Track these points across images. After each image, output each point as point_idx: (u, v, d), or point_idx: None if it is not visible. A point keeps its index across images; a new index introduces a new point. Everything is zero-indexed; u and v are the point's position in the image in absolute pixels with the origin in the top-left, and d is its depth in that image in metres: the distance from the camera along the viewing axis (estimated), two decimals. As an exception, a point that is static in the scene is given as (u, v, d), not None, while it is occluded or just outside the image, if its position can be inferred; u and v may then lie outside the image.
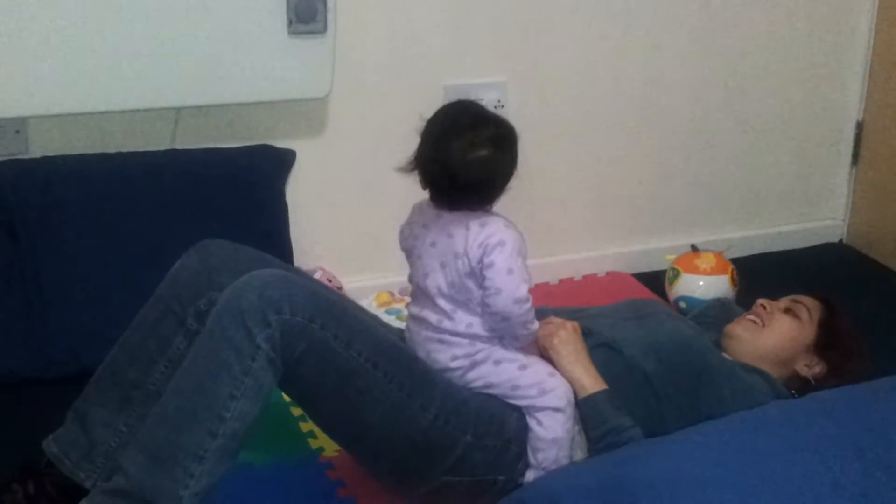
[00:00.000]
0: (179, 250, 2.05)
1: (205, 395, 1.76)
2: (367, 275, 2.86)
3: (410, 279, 2.03)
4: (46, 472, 1.95)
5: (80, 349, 2.41)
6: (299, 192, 2.77)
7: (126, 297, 2.27)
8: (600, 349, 2.11)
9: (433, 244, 1.94)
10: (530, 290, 1.91)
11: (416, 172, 1.89)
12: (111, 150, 2.58)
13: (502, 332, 1.96)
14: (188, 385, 1.79)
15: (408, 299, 2.09)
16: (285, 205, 2.74)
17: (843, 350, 2.22)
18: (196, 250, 2.03)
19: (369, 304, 2.73)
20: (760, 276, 3.00)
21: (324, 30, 2.54)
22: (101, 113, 2.49)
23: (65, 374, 2.35)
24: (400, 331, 2.10)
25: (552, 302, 2.50)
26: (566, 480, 1.83)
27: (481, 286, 1.90)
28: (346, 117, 2.77)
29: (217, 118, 2.67)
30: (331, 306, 1.87)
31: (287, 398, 2.01)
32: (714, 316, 2.46)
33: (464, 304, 1.93)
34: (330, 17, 2.53)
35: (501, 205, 1.94)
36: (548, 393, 1.97)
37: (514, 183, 1.91)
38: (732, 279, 2.89)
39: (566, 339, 2.05)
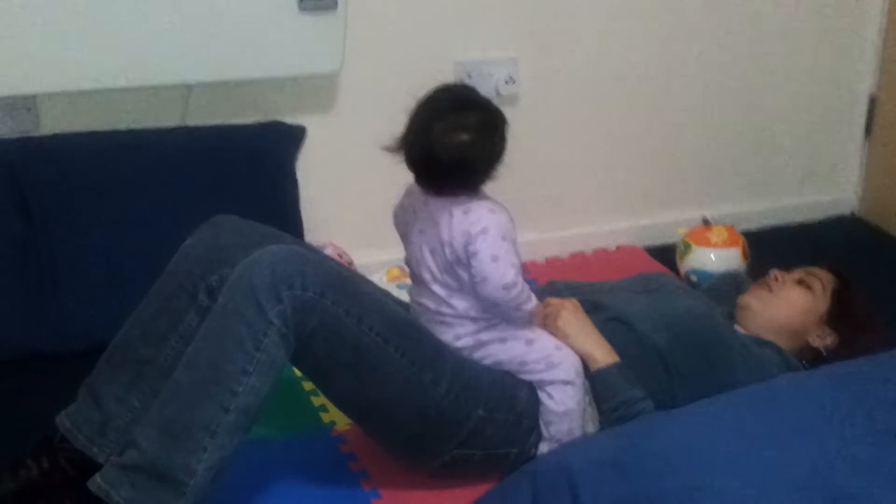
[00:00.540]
0: (190, 226, 2.06)
1: (217, 370, 1.77)
2: (377, 250, 2.85)
3: (407, 262, 2.03)
4: (60, 447, 1.96)
5: (93, 324, 2.41)
6: (310, 167, 2.77)
7: (138, 273, 2.27)
8: (611, 323, 2.11)
9: (422, 231, 1.94)
10: (527, 269, 1.90)
11: (402, 153, 1.89)
12: (122, 127, 2.58)
13: (497, 315, 1.95)
14: (200, 360, 1.80)
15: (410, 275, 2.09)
16: (296, 181, 2.74)
17: (855, 322, 2.21)
18: (207, 226, 2.03)
19: (380, 278, 2.73)
20: (772, 249, 2.99)
21: (335, 5, 2.54)
22: (111, 90, 2.49)
23: (78, 350, 2.35)
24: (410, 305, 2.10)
25: (563, 276, 2.51)
26: (579, 453, 1.84)
27: (469, 273, 1.89)
28: (356, 93, 2.77)
29: (228, 94, 2.67)
30: (342, 282, 1.87)
31: (299, 373, 2.01)
32: (725, 289, 2.46)
33: (457, 290, 1.93)
34: (340, -8, 2.53)
35: (507, 182, 1.92)
36: (556, 366, 1.97)
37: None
38: (744, 252, 2.88)
39: (568, 317, 2.05)
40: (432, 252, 1.92)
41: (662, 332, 2.10)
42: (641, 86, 3.08)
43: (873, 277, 2.67)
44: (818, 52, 3.26)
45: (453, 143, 1.82)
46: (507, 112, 1.91)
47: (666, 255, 3.04)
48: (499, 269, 1.86)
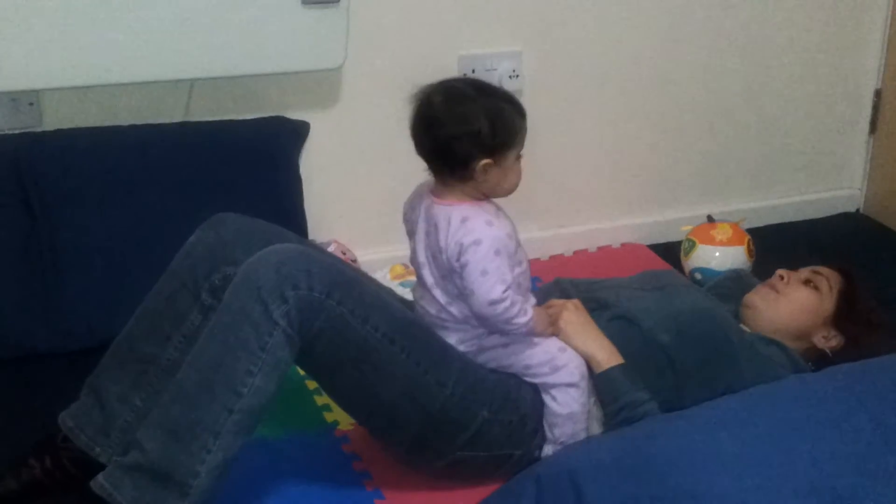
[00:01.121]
0: (193, 222, 2.05)
1: (222, 370, 1.77)
2: (381, 247, 2.85)
3: (412, 262, 2.01)
4: (63, 446, 1.95)
5: (95, 322, 2.41)
6: (313, 164, 2.76)
7: (141, 270, 2.28)
8: (617, 322, 2.10)
9: (426, 234, 1.92)
10: (530, 267, 1.87)
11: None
12: (124, 122, 2.57)
13: (488, 328, 1.94)
14: (205, 361, 1.79)
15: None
16: (299, 177, 2.73)
17: (861, 323, 2.20)
18: (210, 224, 2.02)
19: (383, 276, 2.73)
20: (777, 246, 2.99)
21: (337, 0, 2.52)
22: (114, 85, 2.48)
23: (81, 347, 2.36)
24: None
25: (567, 273, 2.49)
26: (584, 455, 1.84)
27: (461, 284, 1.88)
28: (359, 88, 2.76)
29: (231, 90, 2.66)
30: (348, 282, 1.86)
31: (302, 372, 2.01)
32: (730, 287, 2.45)
33: (456, 297, 1.92)
34: (344, -13, 2.52)
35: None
36: (560, 369, 1.96)
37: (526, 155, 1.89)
38: (749, 250, 2.87)
39: (570, 318, 2.04)
40: (433, 257, 1.91)
41: (668, 329, 2.08)
42: (646, 81, 3.07)
43: (878, 274, 2.67)
44: (823, 48, 3.25)
45: (455, 111, 1.81)
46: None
47: (670, 252, 3.03)
48: (486, 284, 1.84)
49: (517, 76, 2.87)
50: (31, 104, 2.52)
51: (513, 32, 2.88)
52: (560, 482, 1.73)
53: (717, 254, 2.85)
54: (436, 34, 2.79)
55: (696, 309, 2.16)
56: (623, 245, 3.18)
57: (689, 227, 2.97)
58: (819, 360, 2.19)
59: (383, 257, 2.83)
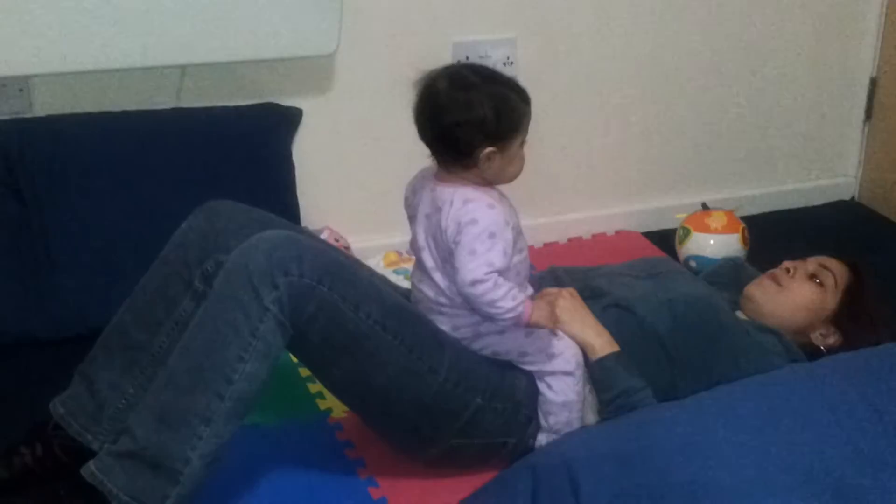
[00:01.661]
0: (185, 209, 2.03)
1: (213, 357, 1.76)
2: (374, 234, 2.84)
3: (412, 246, 2.00)
4: (54, 434, 1.94)
5: (87, 309, 2.40)
6: (306, 150, 2.75)
7: (133, 257, 2.27)
8: (612, 309, 2.09)
9: (427, 216, 1.91)
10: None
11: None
12: (116, 108, 2.56)
13: (474, 312, 1.91)
14: (196, 347, 1.78)
15: (414, 258, 2.07)
16: (292, 163, 2.71)
17: (863, 323, 2.16)
18: (202, 211, 2.01)
19: (377, 263, 2.72)
20: (772, 234, 2.98)
21: (331, -15, 2.51)
22: (105, 71, 2.46)
23: (72, 334, 2.35)
24: (408, 291, 2.08)
25: (561, 261, 2.49)
26: (580, 445, 1.83)
27: None
28: (353, 75, 2.74)
29: (222, 76, 2.64)
30: (340, 268, 1.85)
31: (295, 359, 2.00)
32: (726, 276, 2.44)
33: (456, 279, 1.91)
34: (337, -28, 2.50)
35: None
36: (556, 357, 1.95)
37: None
38: (744, 238, 2.87)
39: (566, 305, 2.03)
40: (434, 239, 1.90)
41: (664, 317, 2.07)
42: (641, 69, 3.05)
43: (873, 262, 2.65)
44: (818, 35, 3.24)
45: (459, 98, 1.79)
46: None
47: (665, 240, 3.02)
48: (471, 263, 1.81)
49: (511, 63, 2.85)
50: (20, 90, 2.50)
51: (507, 19, 2.86)
52: (556, 472, 1.72)
53: (712, 242, 2.85)
54: (430, 21, 2.77)
55: (692, 296, 2.15)
56: (617, 232, 3.17)
57: (683, 215, 2.96)
58: (813, 355, 2.13)
59: (377, 244, 2.82)
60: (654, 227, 3.16)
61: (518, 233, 1.91)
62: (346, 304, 1.82)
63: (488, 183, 1.89)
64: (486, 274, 1.81)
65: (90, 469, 1.76)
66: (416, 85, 1.84)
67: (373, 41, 2.72)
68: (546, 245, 3.05)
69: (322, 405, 2.23)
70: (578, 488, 1.66)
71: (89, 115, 2.53)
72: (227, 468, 1.84)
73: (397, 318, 1.88)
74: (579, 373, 1.96)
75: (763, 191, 3.35)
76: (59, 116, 2.51)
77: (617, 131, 3.10)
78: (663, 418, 1.79)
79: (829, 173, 3.46)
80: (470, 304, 1.89)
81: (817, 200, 3.42)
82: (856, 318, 2.17)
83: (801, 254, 2.29)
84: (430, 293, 1.95)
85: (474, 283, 1.82)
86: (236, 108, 2.66)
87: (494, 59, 2.83)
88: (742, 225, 2.89)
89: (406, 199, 2.00)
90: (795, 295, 2.19)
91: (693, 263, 2.83)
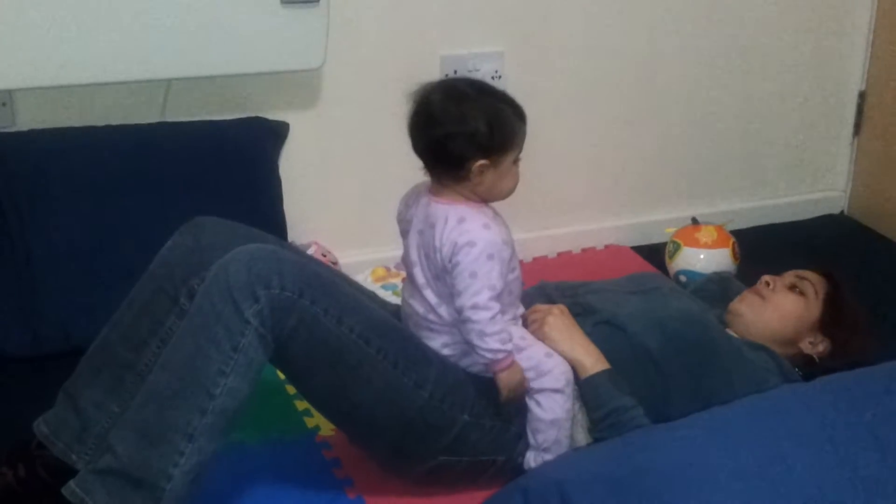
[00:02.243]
0: (170, 225, 2.02)
1: (194, 371, 1.74)
2: (362, 249, 2.83)
3: (403, 261, 1.99)
4: (37, 453, 1.91)
5: (70, 326, 2.38)
6: (293, 165, 2.73)
7: (116, 273, 2.25)
8: (602, 327, 2.07)
9: (420, 233, 1.90)
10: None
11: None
12: (100, 123, 2.54)
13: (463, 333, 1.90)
14: (177, 361, 1.77)
15: (404, 274, 2.05)
16: (279, 178, 2.70)
17: (847, 326, 2.18)
18: (188, 228, 1.99)
19: (365, 278, 2.70)
20: (762, 248, 2.98)
21: (317, 0, 2.49)
22: (89, 85, 2.45)
23: (56, 351, 2.33)
24: (396, 307, 2.06)
25: (550, 276, 2.47)
26: (573, 467, 1.81)
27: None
28: (340, 89, 2.73)
29: (208, 90, 2.63)
30: (321, 281, 1.84)
31: (282, 375, 1.98)
32: (713, 290, 2.43)
33: (447, 298, 1.89)
34: (323, -14, 2.49)
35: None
36: (545, 374, 1.93)
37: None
38: (734, 252, 2.86)
39: (555, 323, 2.01)
40: (427, 256, 1.89)
41: (655, 334, 2.06)
42: (630, 83, 3.05)
43: (862, 276, 2.66)
44: (807, 49, 3.24)
45: (454, 110, 1.80)
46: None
47: (655, 254, 3.01)
48: (473, 287, 1.82)
49: (500, 77, 2.84)
50: (3, 104, 2.48)
51: (495, 33, 2.86)
52: (548, 495, 1.69)
53: (702, 256, 2.83)
54: (417, 34, 2.77)
55: (683, 314, 2.14)
56: (607, 247, 3.16)
57: (673, 230, 2.96)
58: (807, 365, 2.17)
59: (365, 259, 2.80)
60: (643, 242, 3.15)
61: (512, 251, 1.90)
62: (328, 317, 1.80)
63: (482, 200, 1.88)
64: (489, 300, 1.82)
65: (71, 487, 1.73)
66: (411, 97, 1.85)
67: (360, 55, 2.71)
68: (535, 259, 3.04)
69: (309, 423, 2.21)
70: (570, 510, 1.64)
71: (73, 129, 2.51)
72: (213, 486, 1.82)
73: (381, 333, 1.87)
74: (569, 391, 1.94)
75: (753, 205, 3.34)
76: (43, 131, 2.49)
77: (606, 146, 3.09)
78: (659, 441, 1.76)
79: (819, 187, 3.46)
80: (460, 325, 1.88)
81: (807, 214, 3.42)
82: (840, 324, 2.18)
83: (791, 268, 2.29)
84: (420, 309, 1.93)
85: (475, 307, 1.83)
86: (222, 122, 2.64)
87: (483, 73, 2.82)
88: (732, 239, 2.88)
89: (399, 213, 1.99)
90: (779, 306, 2.20)
91: (683, 278, 2.82)
